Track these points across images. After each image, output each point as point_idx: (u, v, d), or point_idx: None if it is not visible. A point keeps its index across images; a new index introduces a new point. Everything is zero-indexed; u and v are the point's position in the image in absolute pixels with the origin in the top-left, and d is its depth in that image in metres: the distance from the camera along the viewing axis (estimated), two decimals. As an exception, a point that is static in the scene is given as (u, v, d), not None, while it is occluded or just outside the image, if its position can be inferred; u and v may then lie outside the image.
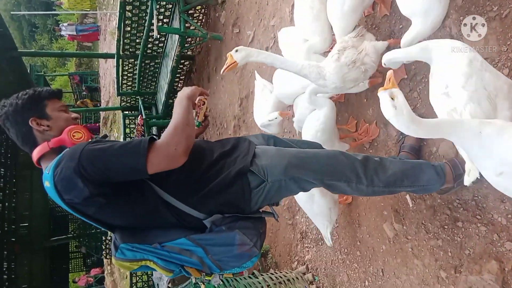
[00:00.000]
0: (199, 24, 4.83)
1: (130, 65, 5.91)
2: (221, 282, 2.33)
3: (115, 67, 5.70)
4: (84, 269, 16.09)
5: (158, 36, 4.86)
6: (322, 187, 1.53)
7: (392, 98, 1.07)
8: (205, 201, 1.38)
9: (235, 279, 2.51)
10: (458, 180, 1.60)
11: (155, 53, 5.49)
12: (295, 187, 1.48)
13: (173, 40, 4.71)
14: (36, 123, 1.37)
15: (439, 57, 1.37)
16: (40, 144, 1.38)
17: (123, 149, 1.23)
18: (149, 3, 4.35)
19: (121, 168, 1.23)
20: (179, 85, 6.01)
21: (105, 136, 1.63)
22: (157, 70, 5.81)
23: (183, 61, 5.56)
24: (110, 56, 6.71)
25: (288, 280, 2.65)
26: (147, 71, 5.90)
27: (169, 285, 3.33)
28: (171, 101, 5.49)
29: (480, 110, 1.23)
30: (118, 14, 4.75)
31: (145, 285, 6.75)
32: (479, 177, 1.30)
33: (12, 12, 23.22)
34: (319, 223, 2.22)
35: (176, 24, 4.47)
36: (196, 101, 1.50)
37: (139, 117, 5.92)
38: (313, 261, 2.82)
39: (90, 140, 1.38)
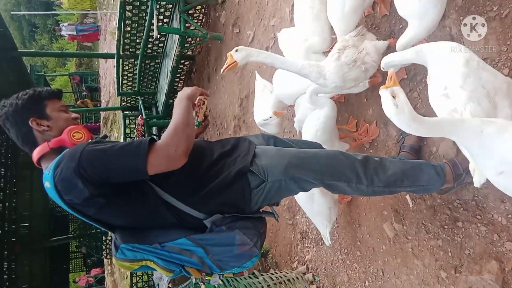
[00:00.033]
0: (199, 24, 4.83)
1: (130, 65, 5.91)
2: (221, 282, 2.33)
3: (115, 67, 5.70)
4: (85, 269, 16.10)
5: (158, 36, 4.85)
6: (322, 187, 1.53)
7: (393, 97, 1.07)
8: (205, 201, 1.38)
9: (235, 279, 2.51)
10: (458, 180, 1.61)
11: (155, 53, 5.48)
12: (295, 187, 1.48)
13: (173, 40, 4.71)
14: (36, 123, 1.37)
15: (435, 60, 1.37)
16: (40, 144, 1.38)
17: (124, 150, 1.23)
18: (149, 3, 4.34)
19: (121, 169, 1.23)
20: (179, 85, 6.01)
21: (105, 136, 1.64)
22: (157, 70, 5.81)
23: (183, 61, 5.56)
24: (110, 56, 6.71)
25: (288, 280, 2.65)
26: (147, 71, 5.89)
27: (170, 285, 3.34)
28: (171, 101, 5.49)
29: (480, 109, 1.23)
30: (118, 14, 4.75)
31: (146, 285, 6.75)
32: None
33: (12, 12, 23.24)
34: (319, 222, 2.22)
35: (176, 24, 4.47)
36: (196, 101, 1.50)
37: (139, 117, 5.92)
38: (313, 261, 2.82)
39: (90, 140, 1.38)
